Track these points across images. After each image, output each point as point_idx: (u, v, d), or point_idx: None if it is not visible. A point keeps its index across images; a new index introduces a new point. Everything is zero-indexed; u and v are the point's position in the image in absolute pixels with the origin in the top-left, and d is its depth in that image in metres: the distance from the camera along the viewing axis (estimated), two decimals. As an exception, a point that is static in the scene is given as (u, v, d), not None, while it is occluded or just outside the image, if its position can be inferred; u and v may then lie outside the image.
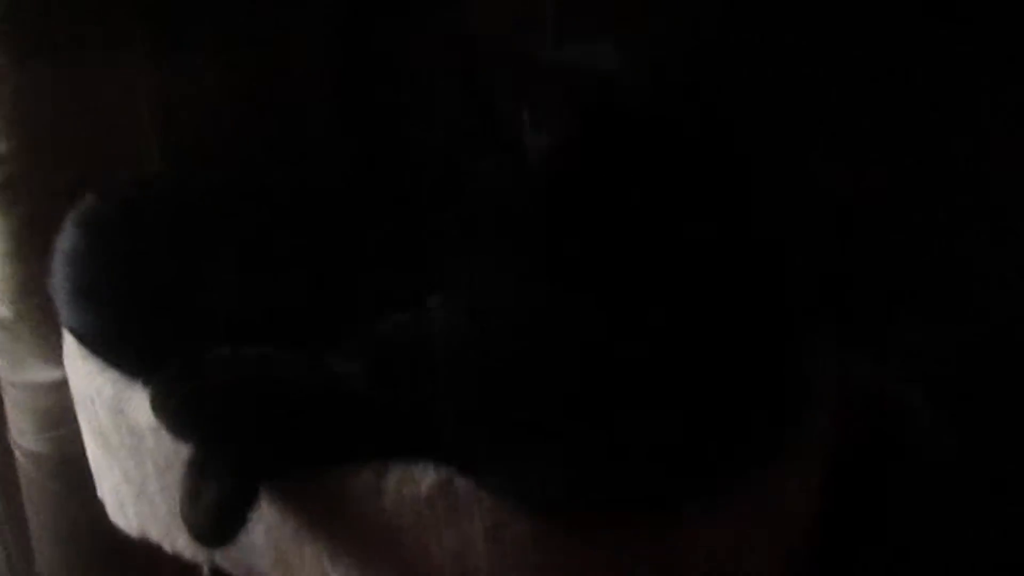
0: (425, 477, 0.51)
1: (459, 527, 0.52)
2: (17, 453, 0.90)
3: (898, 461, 1.02)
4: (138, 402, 0.60)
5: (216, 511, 0.54)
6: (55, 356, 0.83)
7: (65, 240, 0.65)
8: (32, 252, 0.81)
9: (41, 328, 0.83)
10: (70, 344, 0.68)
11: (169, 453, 0.59)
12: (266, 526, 0.58)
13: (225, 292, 0.59)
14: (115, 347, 0.62)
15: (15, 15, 0.74)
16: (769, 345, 0.54)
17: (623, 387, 0.49)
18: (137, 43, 0.79)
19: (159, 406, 0.55)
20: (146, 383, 0.59)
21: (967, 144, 0.91)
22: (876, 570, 0.95)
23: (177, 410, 0.54)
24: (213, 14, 0.83)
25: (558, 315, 0.50)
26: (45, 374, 0.85)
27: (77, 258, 0.64)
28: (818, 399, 0.61)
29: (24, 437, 0.89)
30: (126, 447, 0.62)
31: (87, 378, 0.64)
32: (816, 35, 0.88)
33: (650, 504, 0.51)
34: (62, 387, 0.83)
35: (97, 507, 0.85)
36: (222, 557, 0.62)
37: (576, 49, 0.59)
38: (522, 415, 0.50)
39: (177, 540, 0.64)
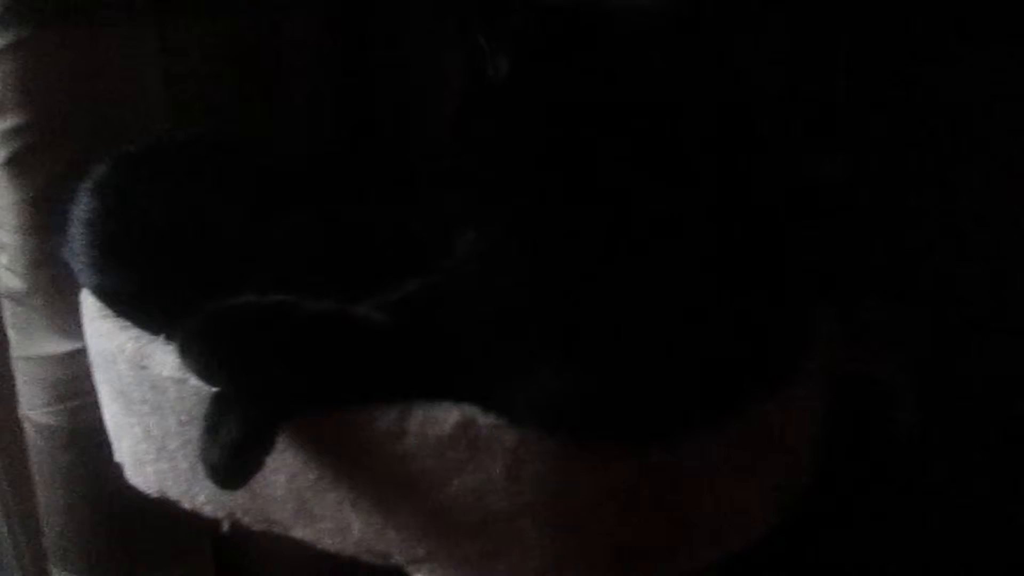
0: (448, 417, 0.53)
1: (480, 466, 0.53)
2: (27, 426, 0.91)
3: (881, 437, 1.05)
4: (160, 356, 0.62)
5: (234, 448, 0.55)
6: (67, 328, 0.84)
7: (83, 202, 0.67)
8: (44, 224, 0.82)
9: (53, 300, 0.84)
10: (89, 307, 0.69)
11: (191, 406, 0.61)
12: (287, 475, 0.59)
13: (242, 244, 0.61)
14: (138, 303, 0.64)
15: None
16: (771, 287, 0.57)
17: (634, 316, 0.51)
18: (146, 13, 0.81)
19: (187, 349, 0.56)
20: (169, 337, 0.61)
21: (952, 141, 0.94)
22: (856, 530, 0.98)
23: (204, 351, 0.55)
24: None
25: (561, 244, 0.52)
26: (57, 346, 0.86)
27: (96, 219, 0.65)
28: (815, 347, 0.63)
29: (35, 410, 0.90)
30: (148, 403, 0.64)
31: (108, 337, 0.65)
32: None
33: (659, 434, 0.53)
34: (74, 358, 0.85)
35: (107, 480, 0.86)
36: (243, 511, 0.63)
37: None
38: (537, 343, 0.52)
39: (198, 496, 0.65)
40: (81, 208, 0.66)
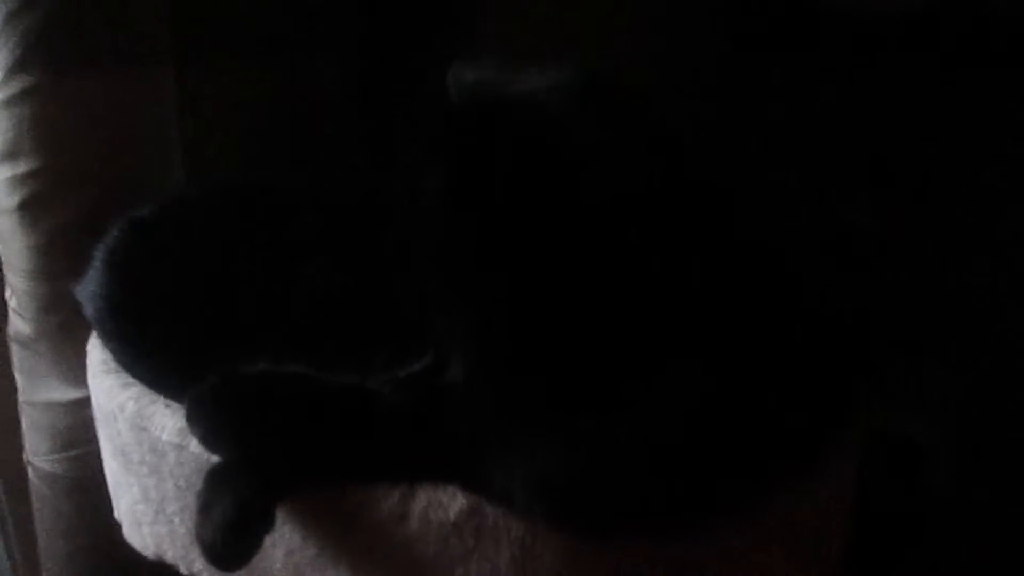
0: (453, 503, 0.51)
1: (486, 556, 0.51)
2: (31, 472, 0.90)
3: (912, 495, 1.02)
4: (160, 419, 0.60)
5: (228, 527, 0.53)
6: (73, 376, 0.83)
7: (94, 269, 0.65)
8: (54, 270, 0.81)
9: (60, 347, 0.83)
10: (94, 360, 0.68)
11: (191, 472, 0.59)
12: (286, 549, 0.57)
13: (255, 305, 0.59)
14: (148, 367, 0.62)
15: (50, 33, 0.75)
16: (804, 364, 0.54)
17: (643, 401, 0.48)
18: (162, 63, 0.80)
19: (193, 414, 0.54)
20: (171, 398, 0.59)
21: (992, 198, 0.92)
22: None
23: (210, 418, 0.53)
24: (239, 33, 0.84)
25: (564, 326, 0.49)
26: (63, 393, 0.84)
27: (107, 286, 0.64)
28: (849, 419, 0.60)
29: (38, 456, 0.88)
30: (147, 464, 0.62)
31: (110, 393, 0.64)
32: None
33: (672, 525, 0.50)
34: (79, 407, 0.83)
35: (108, 529, 0.84)
36: (240, 581, 0.61)
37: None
38: (543, 434, 0.49)
39: (194, 563, 0.63)
40: (92, 275, 0.65)
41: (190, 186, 0.74)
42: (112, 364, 0.66)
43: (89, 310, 0.66)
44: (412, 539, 0.52)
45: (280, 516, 0.55)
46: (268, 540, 0.55)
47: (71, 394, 0.84)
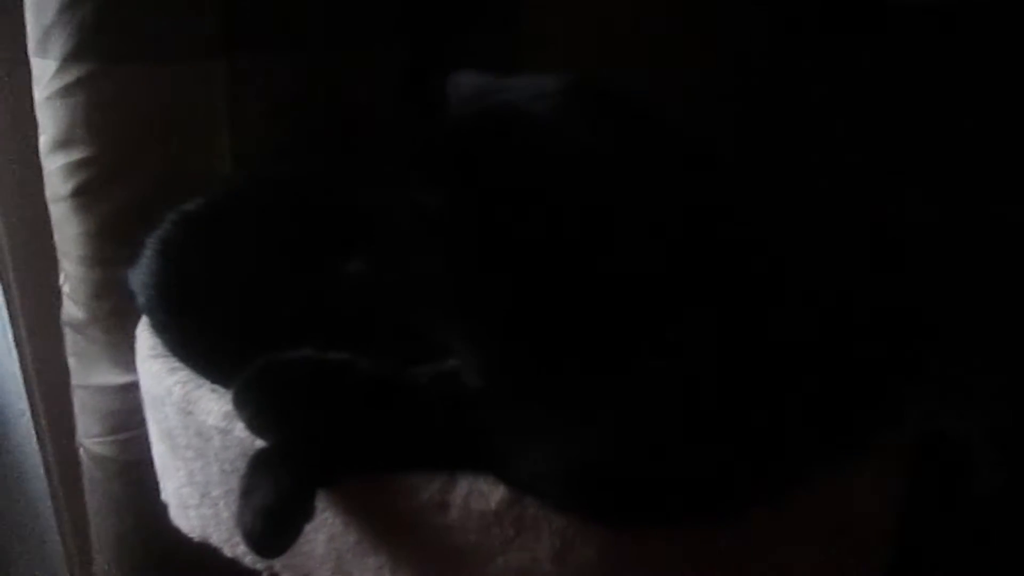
0: (494, 492, 0.50)
1: (525, 546, 0.50)
2: (82, 454, 0.92)
3: (956, 497, 0.99)
4: (206, 403, 0.61)
5: (267, 513, 0.53)
6: (124, 360, 0.84)
7: (155, 240, 0.66)
8: (106, 256, 0.82)
9: (112, 331, 0.85)
10: (142, 345, 0.69)
11: (235, 456, 0.59)
12: (328, 535, 0.57)
13: (304, 300, 0.60)
14: (197, 353, 0.63)
15: (105, 23, 0.76)
16: (850, 359, 0.53)
17: (683, 393, 0.48)
18: (213, 53, 0.81)
19: (240, 398, 0.55)
20: (218, 384, 0.60)
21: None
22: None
23: (258, 402, 0.54)
24: (285, 25, 0.85)
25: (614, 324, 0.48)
26: (114, 377, 0.86)
27: (159, 275, 0.65)
28: (895, 422, 0.59)
29: (90, 439, 0.90)
30: (193, 448, 0.62)
31: (157, 378, 0.65)
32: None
33: (714, 517, 0.50)
34: (130, 391, 0.85)
35: (156, 511, 0.85)
36: (282, 564, 0.61)
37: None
38: (580, 427, 0.49)
39: (238, 546, 0.63)
40: (144, 264, 0.66)
41: (239, 180, 0.75)
42: (160, 349, 0.67)
43: (140, 298, 0.67)
44: (453, 527, 0.52)
45: (322, 502, 0.56)
46: (310, 526, 0.55)
47: (122, 378, 0.85)
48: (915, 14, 0.94)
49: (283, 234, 0.64)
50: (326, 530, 0.57)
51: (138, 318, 0.74)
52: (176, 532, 0.84)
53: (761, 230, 0.53)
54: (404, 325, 0.58)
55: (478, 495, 0.51)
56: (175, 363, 0.65)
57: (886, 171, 0.92)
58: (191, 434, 0.62)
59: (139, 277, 0.66)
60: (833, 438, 0.54)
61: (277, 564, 0.62)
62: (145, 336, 0.70)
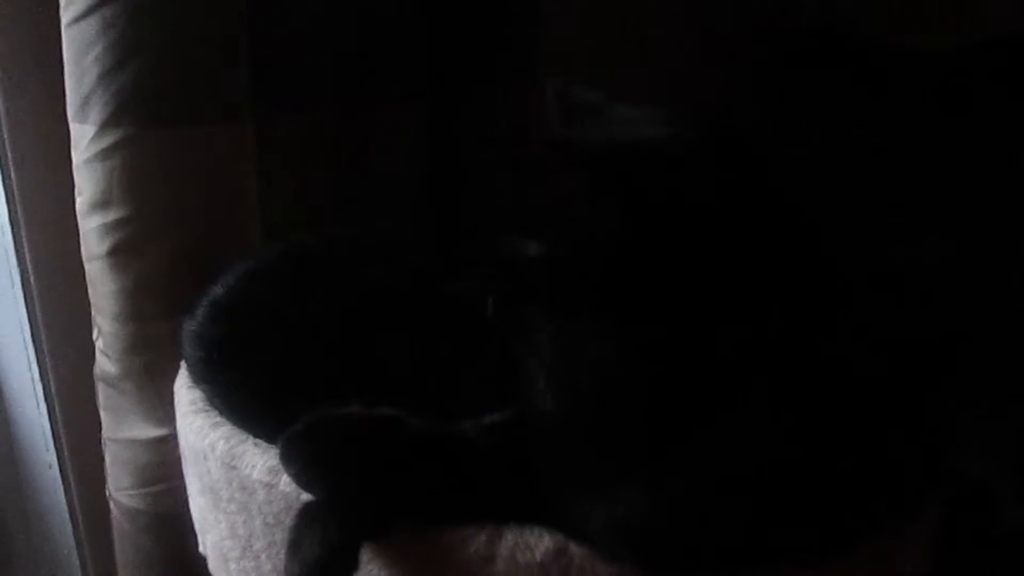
0: (540, 543, 0.52)
1: (571, 596, 0.52)
2: (112, 506, 0.93)
3: (985, 547, 1.00)
4: (251, 457, 0.62)
5: (315, 565, 0.55)
6: (156, 415, 0.87)
7: (206, 300, 0.69)
8: (140, 313, 0.85)
9: (144, 387, 0.87)
10: (184, 400, 0.71)
11: (279, 510, 0.61)
12: (372, 588, 0.59)
13: (349, 357, 0.62)
14: (240, 400, 0.65)
15: (141, 90, 0.79)
16: (889, 412, 0.55)
17: (732, 447, 0.49)
18: (240, 116, 0.84)
19: (288, 452, 0.56)
20: (261, 438, 0.62)
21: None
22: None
23: (305, 455, 0.56)
24: (311, 95, 0.88)
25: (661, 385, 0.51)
26: (146, 431, 0.88)
27: (216, 318, 0.67)
28: (934, 476, 0.60)
29: (120, 491, 0.92)
30: (236, 501, 0.64)
31: (200, 433, 0.66)
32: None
33: (758, 572, 0.51)
34: (161, 444, 0.87)
35: (185, 564, 0.87)
36: (324, 617, 0.63)
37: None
38: (628, 479, 0.51)
39: (280, 598, 0.65)
40: (194, 322, 0.69)
41: (284, 242, 0.78)
42: (201, 404, 0.69)
43: (189, 351, 0.69)
44: (499, 578, 0.53)
45: (367, 555, 0.57)
46: (355, 578, 0.57)
47: (153, 432, 0.87)
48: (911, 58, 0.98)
49: (326, 295, 0.67)
50: (370, 582, 0.59)
51: (170, 373, 0.77)
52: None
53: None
54: (446, 381, 0.60)
55: (524, 547, 0.52)
56: (217, 418, 0.67)
57: (902, 215, 0.95)
58: (234, 488, 0.64)
59: (190, 332, 0.69)
60: (875, 496, 0.55)
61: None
62: (185, 391, 0.72)
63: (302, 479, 0.56)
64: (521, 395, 0.56)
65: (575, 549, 0.51)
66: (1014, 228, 0.96)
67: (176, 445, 0.76)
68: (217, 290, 0.70)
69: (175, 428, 0.76)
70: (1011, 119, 0.98)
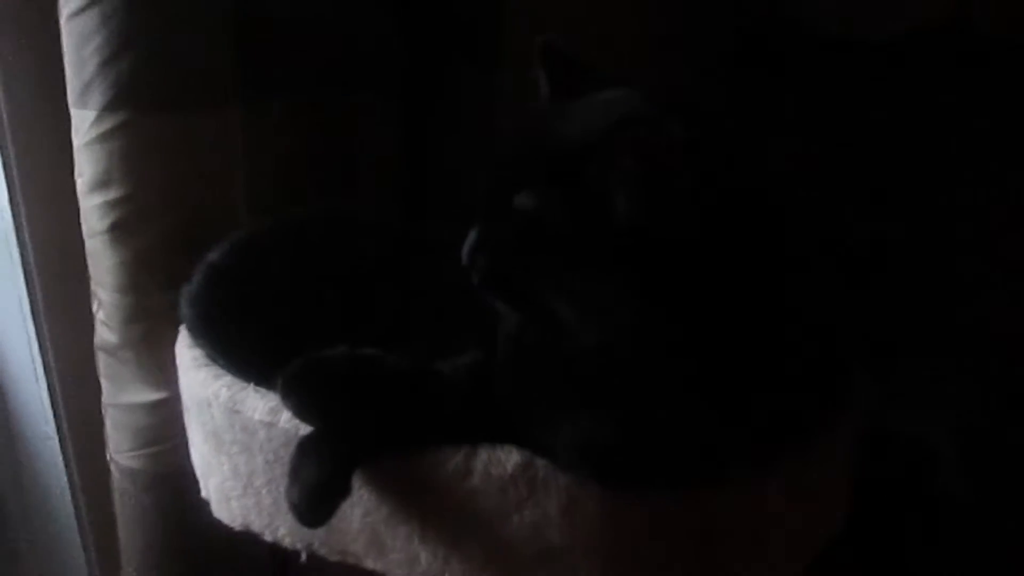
0: (510, 458, 0.60)
1: (538, 503, 0.60)
2: (113, 468, 0.99)
3: (917, 495, 1.09)
4: (252, 401, 0.70)
5: (313, 488, 0.63)
6: (155, 379, 0.93)
7: (204, 266, 0.77)
8: (139, 285, 0.91)
9: (143, 354, 0.93)
10: (185, 358, 0.78)
11: (278, 447, 0.68)
12: (363, 511, 0.66)
13: (332, 310, 0.70)
14: (239, 353, 0.73)
15: (138, 78, 0.86)
16: (806, 348, 0.63)
17: (668, 377, 0.58)
18: (228, 101, 0.91)
19: (287, 389, 0.64)
20: (266, 386, 0.69)
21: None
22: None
23: (303, 392, 0.63)
24: (294, 84, 0.96)
25: (631, 333, 0.59)
26: (145, 395, 0.95)
27: (215, 277, 0.75)
28: (848, 406, 0.69)
29: (121, 453, 0.98)
30: (238, 443, 0.71)
31: (204, 385, 0.74)
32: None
33: (694, 482, 0.60)
34: (159, 407, 0.93)
35: (183, 521, 0.94)
36: (320, 543, 0.70)
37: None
38: (583, 402, 0.59)
39: (279, 529, 0.72)
40: (195, 287, 0.77)
41: (275, 216, 0.85)
42: (202, 360, 0.76)
43: (191, 313, 0.76)
44: (475, 492, 0.61)
45: (358, 482, 0.65)
46: (346, 504, 0.65)
47: (152, 396, 0.94)
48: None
49: (316, 261, 0.75)
50: (361, 506, 0.66)
51: (168, 341, 0.83)
52: (202, 541, 0.92)
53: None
54: (427, 331, 0.68)
55: (496, 462, 0.60)
56: (218, 370, 0.74)
57: (843, 189, 1.03)
58: (237, 430, 0.71)
59: (189, 294, 0.76)
60: (794, 419, 0.64)
61: (315, 542, 0.70)
62: (186, 350, 0.79)
63: (300, 412, 0.64)
64: (490, 339, 0.64)
65: (540, 463, 0.60)
66: (950, 204, 1.06)
67: (174, 407, 0.83)
68: (213, 256, 0.77)
69: (173, 391, 0.83)
70: (943, 105, 1.07)
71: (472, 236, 0.59)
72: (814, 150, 1.05)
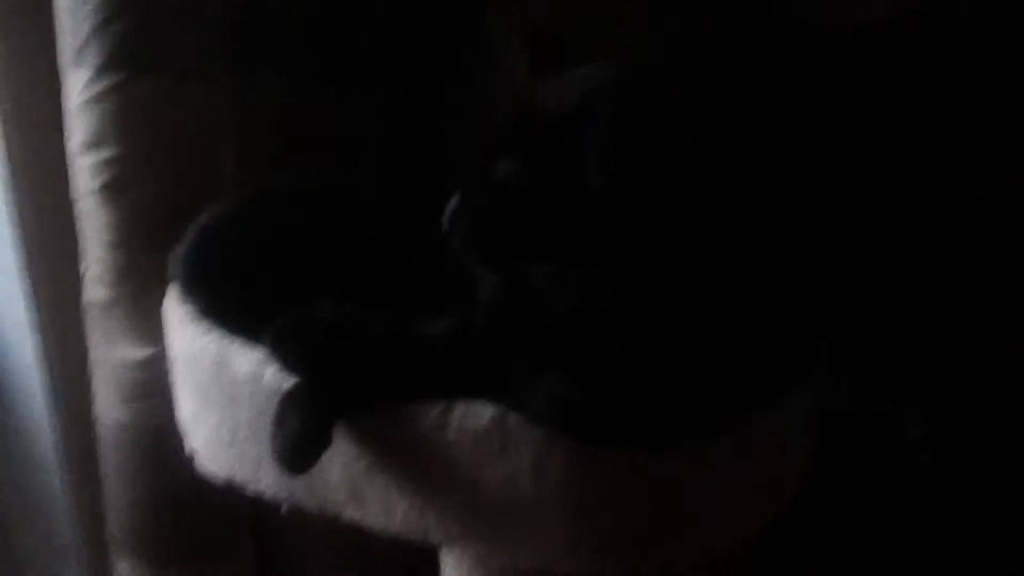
0: (484, 413, 0.63)
1: (509, 457, 0.63)
2: (100, 424, 1.02)
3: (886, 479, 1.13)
4: (238, 357, 0.72)
5: (296, 437, 0.66)
6: (143, 336, 0.96)
7: (195, 229, 0.79)
8: (131, 242, 0.94)
9: (134, 311, 0.95)
10: (174, 315, 0.80)
11: (262, 401, 0.71)
12: (342, 463, 0.69)
13: (319, 272, 0.73)
14: (228, 309, 0.75)
15: (133, 39, 0.88)
16: (771, 323, 0.66)
17: (637, 339, 0.61)
18: (220, 66, 0.93)
19: (277, 343, 0.67)
20: (253, 341, 0.72)
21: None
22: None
23: (291, 345, 0.66)
24: (284, 53, 0.97)
25: (602, 292, 0.62)
26: (133, 352, 0.97)
27: (205, 237, 0.78)
28: (810, 378, 0.72)
29: (109, 409, 1.00)
30: (224, 397, 0.74)
31: (192, 341, 0.76)
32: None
33: (660, 440, 0.63)
34: (147, 364, 0.96)
35: (168, 476, 0.96)
36: (301, 493, 0.73)
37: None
38: (553, 361, 0.62)
39: (262, 481, 0.75)
40: (187, 247, 0.79)
41: (266, 182, 0.88)
42: (192, 317, 0.79)
43: (182, 270, 0.79)
44: (451, 445, 0.64)
45: (339, 433, 0.68)
46: (327, 455, 0.67)
47: (140, 352, 0.96)
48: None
49: (299, 225, 0.78)
50: (341, 459, 0.69)
51: (156, 299, 0.86)
52: (185, 496, 0.95)
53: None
54: (408, 294, 0.71)
55: (471, 416, 0.63)
56: (206, 327, 0.77)
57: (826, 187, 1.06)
58: (224, 384, 0.74)
59: (180, 254, 0.78)
60: (755, 386, 0.67)
61: (297, 493, 0.73)
62: (175, 308, 0.81)
63: (288, 364, 0.67)
64: (470, 301, 0.67)
65: (513, 418, 0.63)
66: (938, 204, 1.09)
67: (160, 364, 0.86)
68: (205, 217, 0.79)
69: (160, 348, 0.86)
70: (916, 91, 1.10)
71: (454, 201, 0.62)
72: (793, 134, 1.08)
